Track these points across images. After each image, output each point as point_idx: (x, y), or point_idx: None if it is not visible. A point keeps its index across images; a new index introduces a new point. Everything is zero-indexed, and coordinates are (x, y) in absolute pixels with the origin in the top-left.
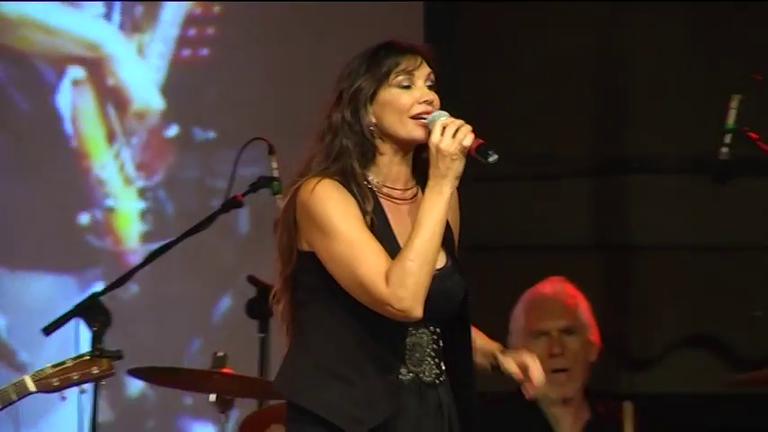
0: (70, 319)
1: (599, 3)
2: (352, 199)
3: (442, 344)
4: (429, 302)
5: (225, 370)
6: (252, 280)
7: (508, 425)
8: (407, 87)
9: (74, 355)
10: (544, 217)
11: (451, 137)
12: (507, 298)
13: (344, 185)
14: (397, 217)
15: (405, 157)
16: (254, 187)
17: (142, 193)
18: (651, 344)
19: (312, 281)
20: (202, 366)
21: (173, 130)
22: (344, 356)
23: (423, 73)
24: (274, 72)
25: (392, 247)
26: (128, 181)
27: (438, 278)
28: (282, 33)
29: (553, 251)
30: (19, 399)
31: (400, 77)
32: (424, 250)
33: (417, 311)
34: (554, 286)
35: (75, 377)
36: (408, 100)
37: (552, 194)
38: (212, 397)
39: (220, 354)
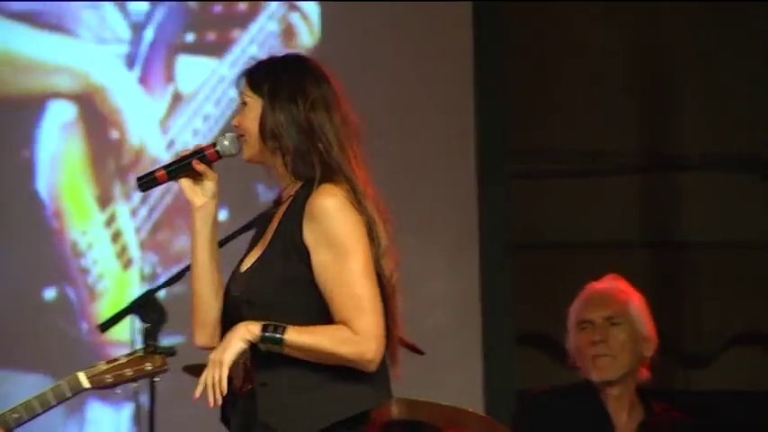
0: (125, 316)
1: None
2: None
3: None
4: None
5: None
6: None
7: (568, 416)
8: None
9: (127, 352)
10: (594, 214)
11: None
12: (556, 296)
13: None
14: (275, 221)
15: (275, 170)
16: None
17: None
18: (706, 342)
19: None
20: None
21: None
22: None
23: (241, 96)
24: None
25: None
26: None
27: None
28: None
29: (603, 249)
30: (73, 395)
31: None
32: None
33: (195, 339)
34: (607, 283)
35: (129, 373)
36: None
37: (601, 192)
38: None
39: None
